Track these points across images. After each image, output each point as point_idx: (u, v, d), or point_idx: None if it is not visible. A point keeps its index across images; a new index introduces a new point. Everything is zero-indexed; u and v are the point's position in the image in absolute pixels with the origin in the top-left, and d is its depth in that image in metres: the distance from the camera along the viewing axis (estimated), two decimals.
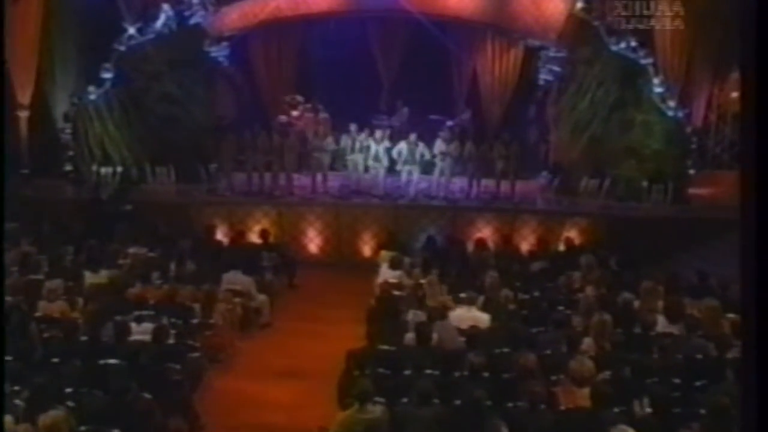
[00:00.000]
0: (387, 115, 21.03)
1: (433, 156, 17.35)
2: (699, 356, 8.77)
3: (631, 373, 8.06)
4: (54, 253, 12.32)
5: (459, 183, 17.73)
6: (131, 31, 17.68)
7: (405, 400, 7.48)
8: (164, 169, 17.70)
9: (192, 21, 18.09)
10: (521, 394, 7.43)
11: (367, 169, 17.61)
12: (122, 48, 17.67)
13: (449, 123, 20.09)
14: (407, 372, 8.38)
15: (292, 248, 15.65)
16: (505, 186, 17.41)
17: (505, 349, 8.96)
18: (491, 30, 19.97)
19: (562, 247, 15.00)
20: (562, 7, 17.89)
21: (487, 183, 17.65)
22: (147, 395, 7.72)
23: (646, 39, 17.72)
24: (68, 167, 17.72)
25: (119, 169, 17.59)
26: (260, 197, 17.13)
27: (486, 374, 8.16)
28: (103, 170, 17.48)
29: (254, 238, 15.37)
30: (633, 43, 17.64)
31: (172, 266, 12.25)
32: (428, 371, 8.28)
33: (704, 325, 9.74)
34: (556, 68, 18.57)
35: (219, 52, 18.93)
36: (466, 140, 18.18)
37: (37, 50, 17.24)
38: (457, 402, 7.28)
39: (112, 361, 8.46)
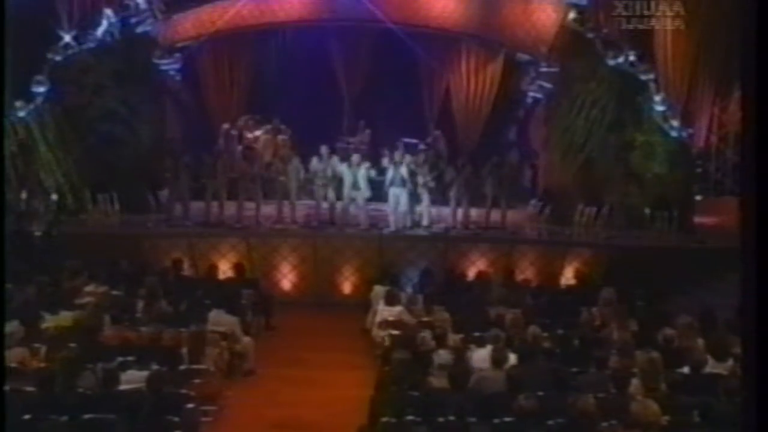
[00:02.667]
0: (349, 135, 21.15)
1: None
2: None
3: (701, 418, 8.07)
4: None
5: (442, 211, 17.78)
6: (67, 38, 17.38)
7: None
8: (106, 197, 17.30)
9: (139, 29, 17.87)
10: None
11: (339, 197, 17.51)
12: (57, 58, 17.38)
13: (421, 146, 20.18)
14: (441, 419, 8.27)
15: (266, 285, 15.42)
16: (493, 215, 17.53)
17: (541, 393, 8.90)
18: (475, 42, 20.14)
19: (570, 280, 15.08)
20: (554, 17, 18.21)
21: (471, 211, 17.73)
22: None
23: (645, 52, 18.13)
24: None
25: (53, 196, 17.16)
26: (222, 228, 16.89)
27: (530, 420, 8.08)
28: (33, 198, 17.02)
29: (221, 274, 15.12)
30: (632, 58, 18.03)
31: (139, 305, 11.93)
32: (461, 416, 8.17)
33: None
34: (547, 84, 18.86)
35: (170, 65, 18.69)
36: (442, 164, 18.30)
37: None
38: None
39: (102, 415, 8.12)
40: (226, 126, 20.18)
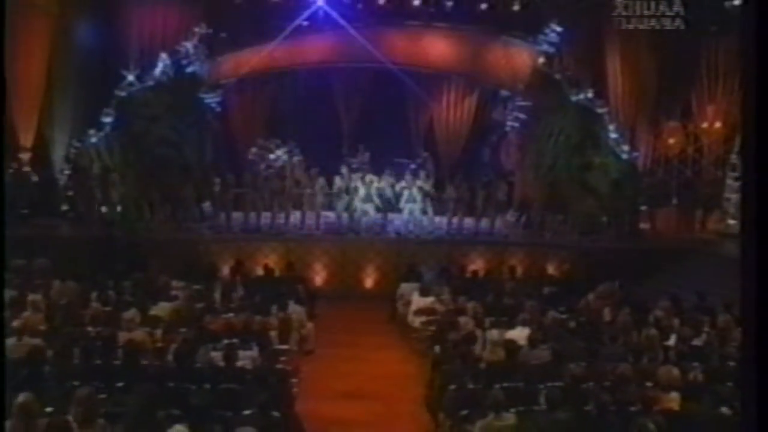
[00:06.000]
0: (350, 157, 21.44)
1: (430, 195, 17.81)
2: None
3: (706, 378, 8.56)
4: (101, 287, 11.91)
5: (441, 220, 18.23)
6: (131, 78, 17.50)
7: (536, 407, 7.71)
8: (161, 208, 17.44)
9: (189, 69, 18.00)
10: (633, 399, 7.78)
11: (356, 208, 17.85)
12: (122, 94, 17.47)
13: (412, 166, 20.60)
14: (497, 385, 8.59)
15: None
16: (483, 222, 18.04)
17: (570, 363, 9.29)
18: (464, 80, 20.57)
19: (555, 274, 15.58)
20: (529, 61, 18.74)
21: (455, 219, 18.12)
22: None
23: (601, 90, 18.79)
24: (65, 207, 17.26)
25: (119, 208, 17.22)
26: (262, 233, 17.09)
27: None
28: (103, 209, 17.11)
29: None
30: (590, 95, 18.66)
31: (217, 297, 12.10)
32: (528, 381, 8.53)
33: (730, 338, 10.38)
34: (522, 115, 19.36)
35: (212, 99, 18.81)
36: (431, 179, 18.82)
37: (39, 96, 16.66)
38: (588, 407, 7.53)
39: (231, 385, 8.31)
40: (254, 149, 20.34)
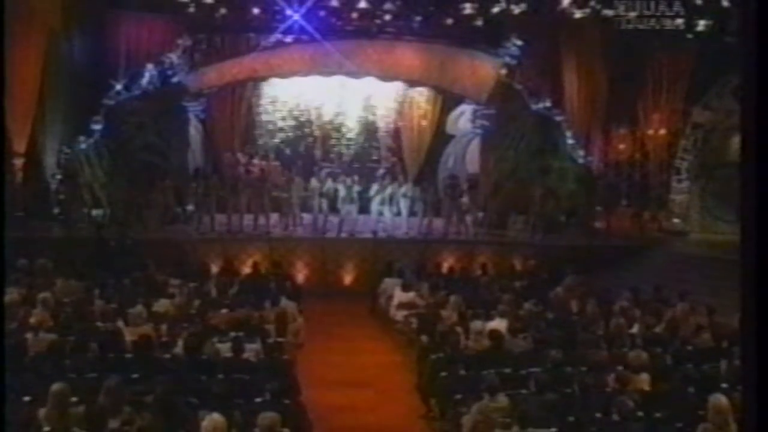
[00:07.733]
0: (322, 162, 21.69)
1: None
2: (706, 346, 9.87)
3: (672, 360, 9.02)
4: (102, 285, 11.96)
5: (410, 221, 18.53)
6: (118, 87, 17.52)
7: (524, 391, 8.06)
8: (148, 211, 17.45)
9: (174, 79, 18.06)
10: (609, 381, 8.19)
11: (333, 209, 18.07)
12: (111, 102, 17.47)
13: (381, 170, 20.94)
14: (485, 372, 8.92)
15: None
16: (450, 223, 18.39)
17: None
18: (432, 90, 20.85)
19: (522, 269, 16.02)
20: (492, 73, 19.16)
21: (426, 220, 18.44)
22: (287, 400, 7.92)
23: (558, 100, 19.31)
24: (56, 210, 17.21)
25: (108, 211, 17.22)
26: (242, 234, 17.21)
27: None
28: (93, 212, 17.11)
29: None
30: (548, 104, 19.18)
31: (213, 293, 12.23)
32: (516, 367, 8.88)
33: (687, 324, 10.89)
34: (486, 123, 19.79)
35: (195, 108, 18.91)
36: (402, 183, 19.14)
37: (34, 104, 16.54)
38: (569, 390, 7.91)
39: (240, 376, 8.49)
40: (228, 154, 20.43)
